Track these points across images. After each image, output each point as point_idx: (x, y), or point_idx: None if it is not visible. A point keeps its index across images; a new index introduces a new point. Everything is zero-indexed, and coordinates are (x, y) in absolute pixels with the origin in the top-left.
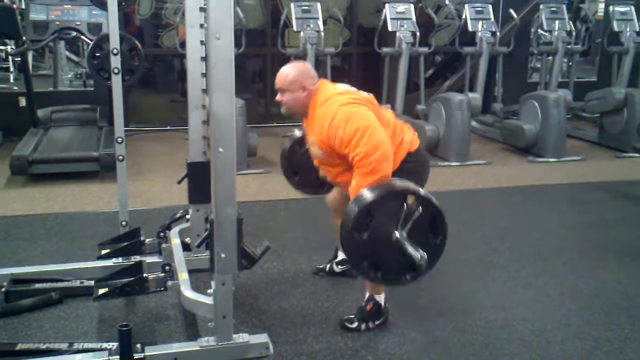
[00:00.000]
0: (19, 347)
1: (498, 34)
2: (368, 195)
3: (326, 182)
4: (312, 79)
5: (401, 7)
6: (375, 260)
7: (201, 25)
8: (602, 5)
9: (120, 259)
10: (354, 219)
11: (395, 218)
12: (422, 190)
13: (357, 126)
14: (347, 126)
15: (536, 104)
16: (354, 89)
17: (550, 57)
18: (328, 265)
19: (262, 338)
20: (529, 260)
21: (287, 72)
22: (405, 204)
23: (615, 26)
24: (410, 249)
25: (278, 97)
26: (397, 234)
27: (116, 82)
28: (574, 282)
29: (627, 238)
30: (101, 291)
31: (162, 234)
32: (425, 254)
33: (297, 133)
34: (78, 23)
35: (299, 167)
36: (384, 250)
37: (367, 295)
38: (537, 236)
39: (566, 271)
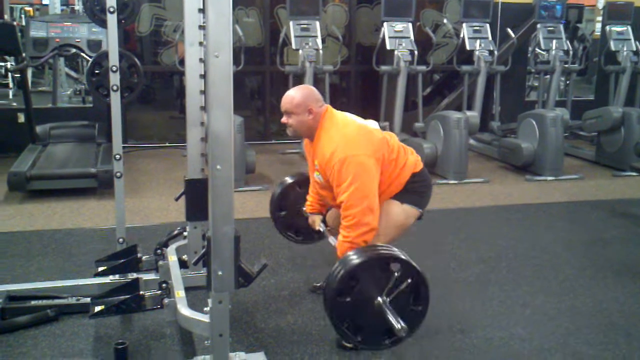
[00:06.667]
0: None
1: (496, 52)
2: (354, 259)
3: (305, 231)
4: (318, 102)
5: (399, 26)
6: (356, 323)
7: (200, 43)
8: (599, 25)
9: (117, 276)
10: (338, 282)
11: (380, 284)
12: (406, 258)
13: (352, 172)
14: (342, 167)
15: (534, 122)
16: (360, 119)
17: (548, 76)
18: (325, 284)
19: (259, 357)
20: (527, 279)
21: (293, 95)
22: (392, 271)
23: (612, 46)
24: (391, 318)
25: (284, 120)
26: (380, 299)
27: (115, 99)
28: (571, 301)
29: (625, 257)
30: (97, 308)
31: (159, 251)
32: (404, 325)
33: (288, 180)
34: (78, 40)
35: (286, 207)
36: (366, 314)
37: None
38: (534, 255)
39: (564, 290)
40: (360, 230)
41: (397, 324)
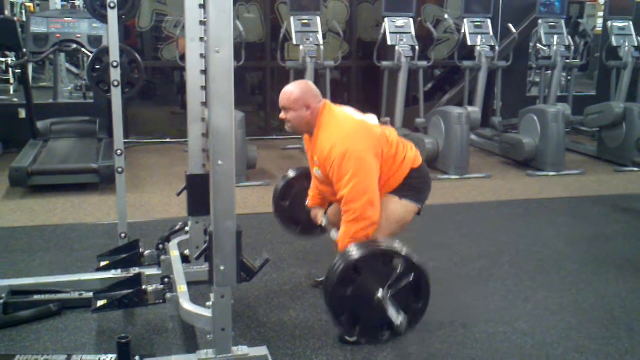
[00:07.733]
0: (17, 359)
1: (497, 48)
2: (355, 252)
3: (306, 224)
4: (316, 97)
5: (400, 21)
6: (355, 316)
7: (201, 39)
8: (600, 20)
9: (119, 271)
10: (339, 275)
11: (381, 278)
12: (409, 252)
13: (352, 167)
14: (342, 162)
15: (535, 118)
16: (359, 114)
17: (549, 72)
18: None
19: (262, 351)
20: (529, 274)
21: (291, 90)
22: (393, 265)
23: (614, 41)
24: (391, 312)
25: (282, 115)
26: (380, 293)
27: (116, 95)
28: (574, 295)
29: (627, 252)
30: (100, 303)
31: (161, 246)
32: (405, 319)
33: (292, 172)
34: (78, 36)
35: (290, 199)
36: (366, 307)
37: None
38: (536, 250)
39: (566, 285)
40: (362, 225)
41: (397, 319)
